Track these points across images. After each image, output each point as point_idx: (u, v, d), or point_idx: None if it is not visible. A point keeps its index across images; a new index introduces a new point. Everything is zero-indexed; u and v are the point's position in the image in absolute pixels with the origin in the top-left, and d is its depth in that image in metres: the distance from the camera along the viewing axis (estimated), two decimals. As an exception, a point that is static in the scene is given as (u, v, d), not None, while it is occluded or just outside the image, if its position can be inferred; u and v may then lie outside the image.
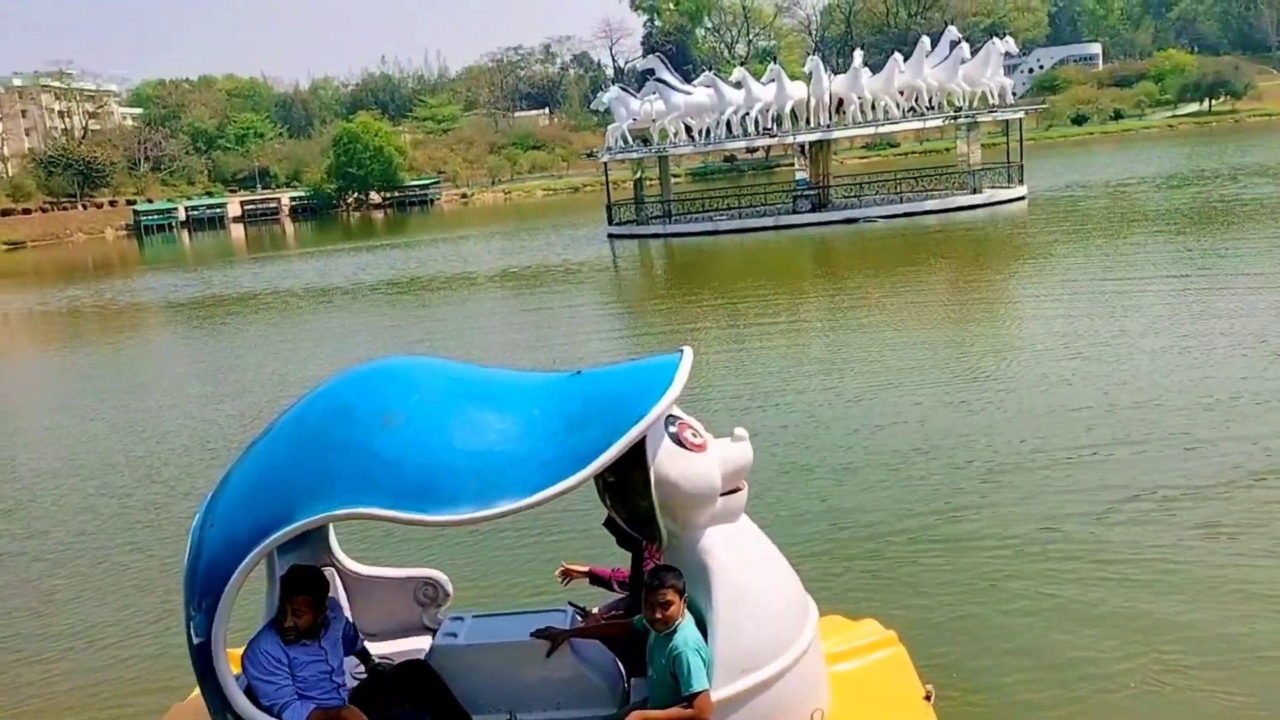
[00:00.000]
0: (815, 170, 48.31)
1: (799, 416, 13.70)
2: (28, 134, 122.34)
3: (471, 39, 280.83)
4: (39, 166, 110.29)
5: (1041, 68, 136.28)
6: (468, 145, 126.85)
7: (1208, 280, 21.12)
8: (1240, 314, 17.23)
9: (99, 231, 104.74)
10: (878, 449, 11.93)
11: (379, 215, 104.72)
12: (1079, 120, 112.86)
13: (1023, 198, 44.12)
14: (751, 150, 73.48)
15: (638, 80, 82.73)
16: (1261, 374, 13.38)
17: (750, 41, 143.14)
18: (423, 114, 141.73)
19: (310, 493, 4.71)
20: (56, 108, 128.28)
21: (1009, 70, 54.15)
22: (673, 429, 4.99)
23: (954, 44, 46.45)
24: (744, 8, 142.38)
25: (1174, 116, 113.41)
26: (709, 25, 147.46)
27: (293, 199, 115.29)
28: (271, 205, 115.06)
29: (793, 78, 48.86)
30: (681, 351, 5.05)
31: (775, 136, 47.26)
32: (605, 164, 50.96)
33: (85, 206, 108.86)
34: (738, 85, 46.70)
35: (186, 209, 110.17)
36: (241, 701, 4.85)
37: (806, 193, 46.25)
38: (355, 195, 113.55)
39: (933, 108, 46.44)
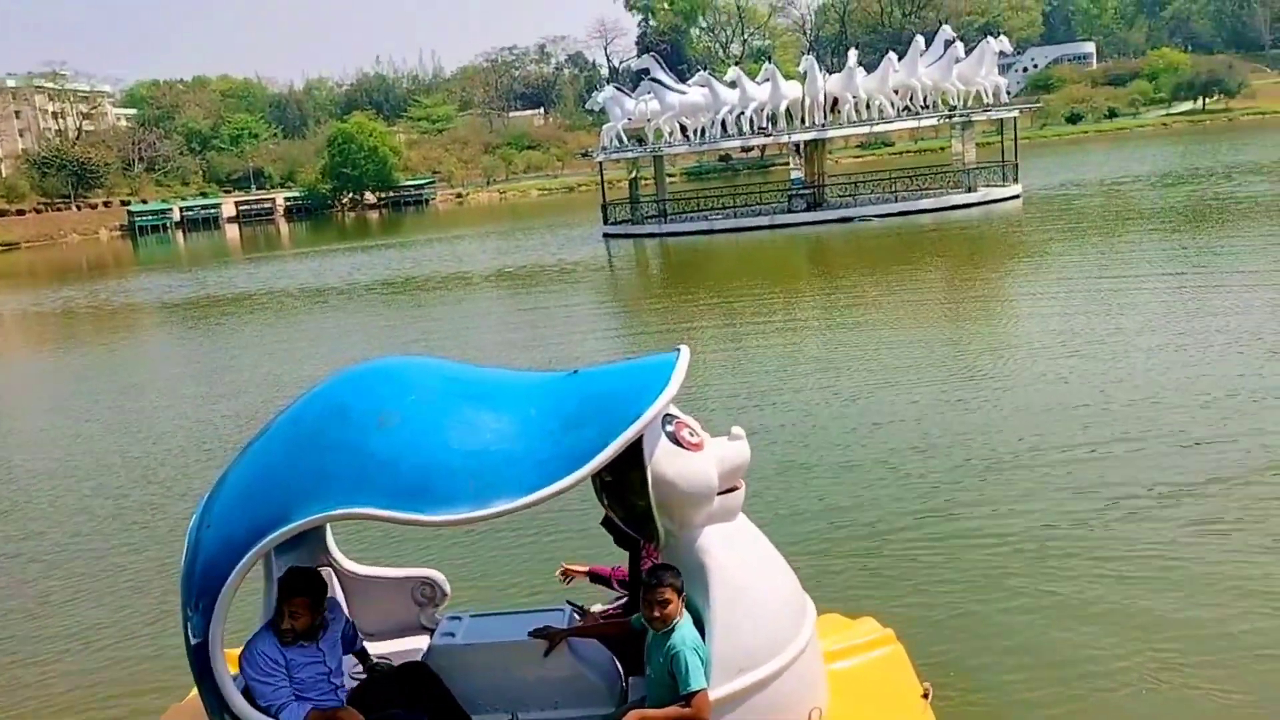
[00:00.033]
0: (810, 169, 48.33)
1: (796, 415, 13.71)
2: (21, 135, 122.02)
3: (466, 39, 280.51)
4: (33, 167, 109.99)
5: (1036, 67, 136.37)
6: (462, 145, 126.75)
7: (1203, 278, 21.16)
8: (1236, 311, 17.27)
9: (93, 232, 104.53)
10: (875, 447, 11.93)
11: (374, 215, 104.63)
12: (1073, 119, 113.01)
13: (1017, 196, 44.18)
14: (746, 150, 73.47)
15: (633, 80, 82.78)
16: (1258, 371, 13.41)
17: (745, 41, 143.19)
18: (417, 114, 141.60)
19: (307, 493, 4.70)
20: (50, 108, 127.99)
21: (1003, 69, 54.27)
22: (670, 428, 4.98)
23: (948, 43, 46.50)
24: (739, 7, 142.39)
25: (1168, 115, 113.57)
26: (704, 25, 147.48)
27: (287, 199, 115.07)
28: (266, 206, 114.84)
29: (787, 77, 48.89)
30: (678, 350, 5.04)
31: (770, 136, 47.27)
32: (600, 164, 50.97)
33: (79, 207, 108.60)
34: (732, 85, 46.73)
35: (181, 210, 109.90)
36: (239, 702, 4.84)
37: (802, 192, 46.26)
38: (350, 195, 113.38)
39: (927, 107, 46.49)
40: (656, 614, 4.82)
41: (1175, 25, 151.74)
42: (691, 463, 4.92)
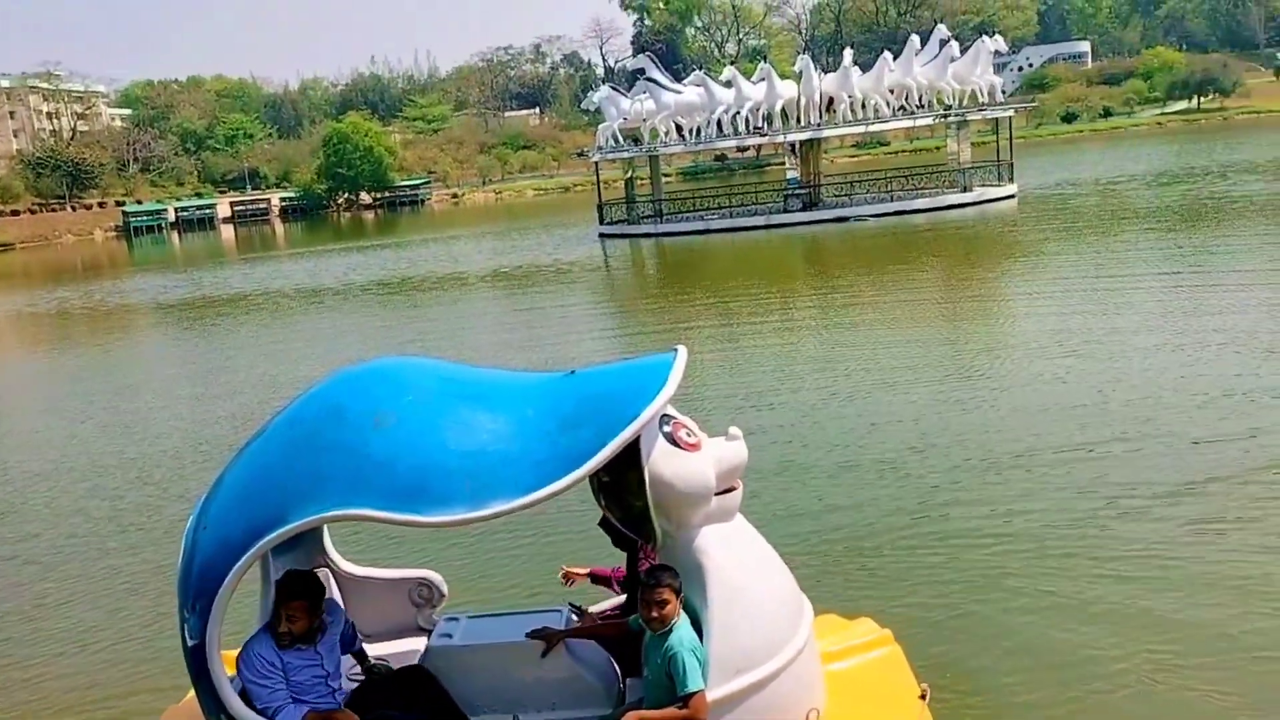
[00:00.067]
0: (806, 169, 48.34)
1: (793, 415, 13.71)
2: (16, 135, 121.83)
3: (461, 39, 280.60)
4: (27, 168, 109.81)
5: (1031, 66, 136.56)
6: (458, 145, 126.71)
7: (1199, 277, 21.19)
8: (1232, 311, 17.29)
9: (88, 233, 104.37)
10: (872, 447, 11.93)
11: (369, 216, 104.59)
12: (1068, 118, 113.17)
13: (1013, 196, 44.23)
14: (742, 149, 73.23)
15: (628, 80, 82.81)
16: (1254, 371, 13.42)
17: (740, 40, 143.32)
18: (413, 114, 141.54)
19: (304, 494, 4.70)
20: (44, 109, 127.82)
21: (998, 68, 54.23)
22: (667, 428, 4.98)
23: (943, 42, 46.53)
24: (734, 7, 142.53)
25: (1163, 114, 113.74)
26: (699, 24, 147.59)
27: (282, 199, 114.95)
28: (261, 206, 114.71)
29: (783, 76, 48.86)
30: (675, 351, 5.03)
31: (766, 135, 47.27)
32: (596, 163, 50.94)
33: (74, 208, 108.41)
34: (728, 84, 46.75)
35: (176, 210, 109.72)
36: (236, 704, 4.83)
37: (797, 192, 46.27)
38: (345, 196, 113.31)
39: (922, 106, 46.48)
40: (654, 614, 4.82)
41: (1170, 24, 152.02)
42: (689, 463, 4.91)
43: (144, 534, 11.66)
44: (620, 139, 47.85)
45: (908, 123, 49.41)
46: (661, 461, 4.86)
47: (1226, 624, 7.23)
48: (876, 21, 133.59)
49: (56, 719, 7.75)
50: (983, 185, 45.29)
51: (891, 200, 45.13)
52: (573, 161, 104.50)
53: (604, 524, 5.67)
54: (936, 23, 54.89)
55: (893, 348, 17.42)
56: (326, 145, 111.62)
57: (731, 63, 75.11)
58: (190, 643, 4.84)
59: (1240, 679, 6.58)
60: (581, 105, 78.15)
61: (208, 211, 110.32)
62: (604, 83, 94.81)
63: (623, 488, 5.05)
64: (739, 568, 5.03)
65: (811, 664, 5.25)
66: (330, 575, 5.88)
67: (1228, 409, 11.98)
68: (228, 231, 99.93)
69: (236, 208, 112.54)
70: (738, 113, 45.60)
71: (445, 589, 6.16)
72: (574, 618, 5.77)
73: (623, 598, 5.93)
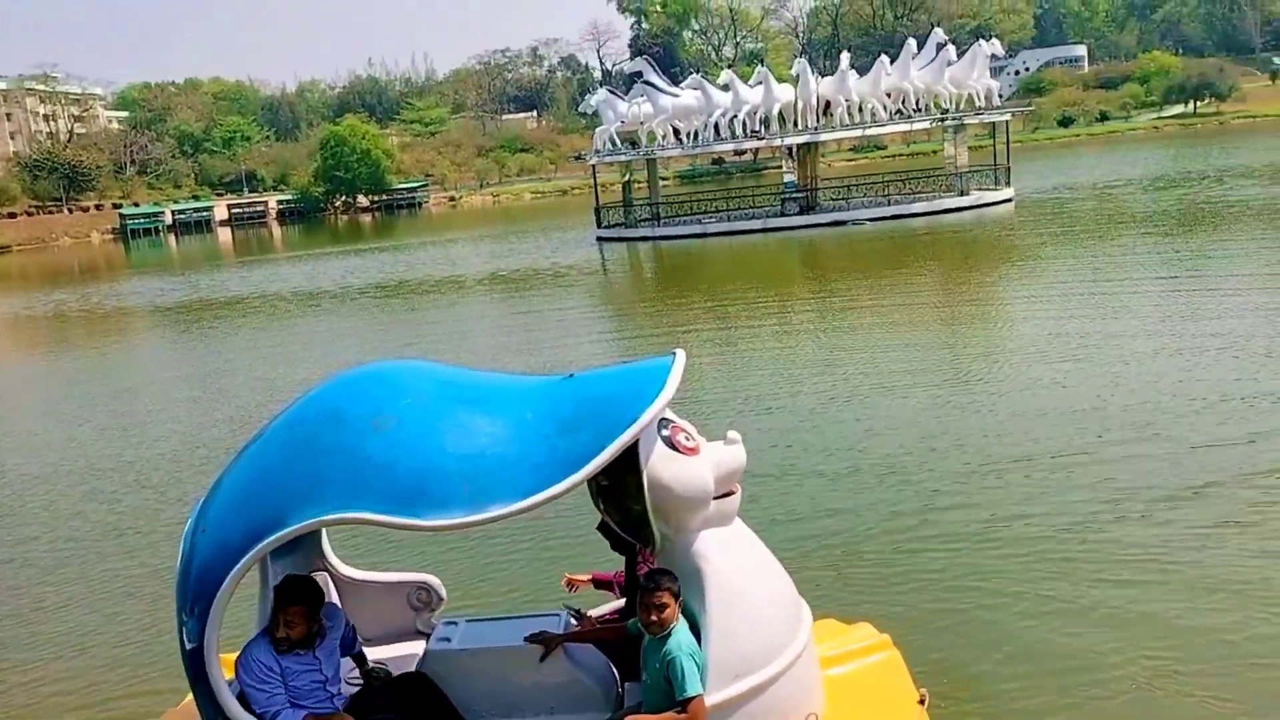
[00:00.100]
0: (803, 173, 48.38)
1: (791, 419, 13.71)
2: (12, 137, 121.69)
3: (459, 42, 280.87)
4: (24, 170, 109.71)
5: (1027, 70, 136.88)
6: (455, 148, 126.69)
7: (1196, 282, 21.22)
8: (1229, 315, 17.32)
9: (85, 235, 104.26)
10: (871, 452, 11.94)
11: (367, 218, 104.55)
12: (1065, 122, 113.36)
13: (1009, 200, 44.28)
14: (739, 153, 73.54)
15: (625, 83, 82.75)
16: (1253, 375, 13.44)
17: (737, 44, 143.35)
18: (410, 117, 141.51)
19: (302, 497, 4.69)
20: (41, 111, 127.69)
21: (995, 72, 54.37)
22: (665, 432, 4.98)
23: (940, 46, 46.56)
24: (731, 10, 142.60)
25: (1159, 118, 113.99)
26: (696, 28, 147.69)
27: (280, 202, 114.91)
28: (258, 209, 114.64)
29: (780, 80, 48.93)
30: (674, 354, 5.03)
31: (763, 139, 47.34)
32: (593, 167, 50.96)
33: (71, 210, 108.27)
34: (725, 88, 46.78)
35: (173, 212, 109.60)
36: (234, 707, 4.83)
37: (794, 195, 46.32)
38: (343, 198, 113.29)
39: (919, 110, 46.55)
40: (654, 618, 4.82)
41: (1166, 28, 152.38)
42: (687, 467, 4.91)
43: (142, 537, 11.65)
44: (618, 142, 47.87)
45: (904, 126, 49.49)
46: (660, 465, 4.86)
47: (1226, 629, 7.24)
48: (873, 25, 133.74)
49: (54, 722, 7.74)
50: (979, 189, 45.35)
51: (888, 204, 45.19)
52: (570, 165, 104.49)
53: (602, 528, 5.66)
54: (933, 26, 54.93)
55: (890, 352, 17.43)
56: (324, 148, 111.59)
57: (729, 66, 75.15)
58: (188, 646, 4.83)
59: (1240, 684, 6.59)
60: (579, 108, 78.13)
61: (205, 214, 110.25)
62: (601, 86, 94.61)
63: (621, 491, 5.04)
64: (738, 572, 5.03)
65: (810, 669, 5.25)
66: (329, 579, 5.88)
67: (1226, 413, 11.99)
68: (225, 234, 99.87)
69: (234, 210, 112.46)
70: (735, 116, 45.63)
71: (444, 593, 6.16)
72: (573, 622, 5.76)
73: (622, 602, 5.93)
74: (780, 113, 46.15)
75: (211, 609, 4.71)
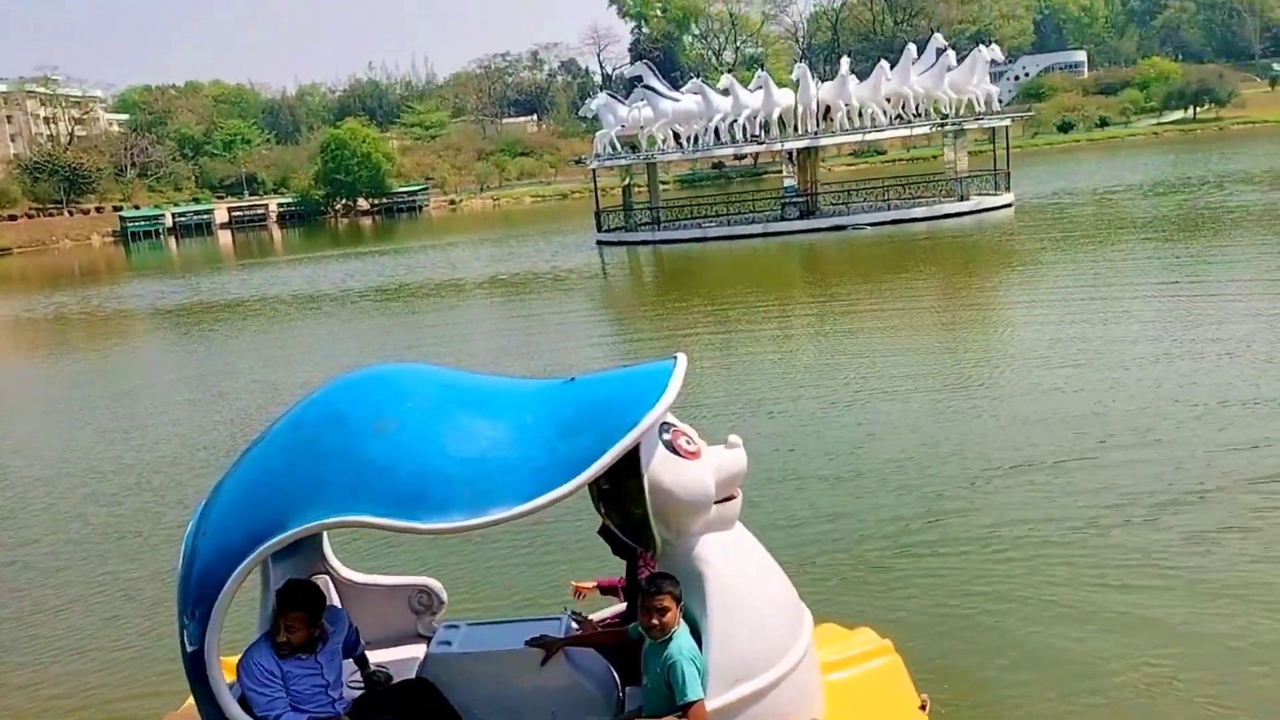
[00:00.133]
0: (803, 177, 48.41)
1: (792, 424, 13.72)
2: (13, 140, 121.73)
3: (459, 45, 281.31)
4: (25, 173, 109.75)
5: (1027, 75, 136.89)
6: (456, 152, 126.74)
7: (1196, 287, 21.23)
8: (1230, 320, 17.32)
9: (85, 238, 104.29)
10: (872, 456, 11.94)
11: (367, 222, 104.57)
12: (1065, 127, 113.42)
13: (1009, 205, 44.30)
14: (739, 157, 73.39)
15: (626, 87, 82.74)
16: (1253, 381, 13.43)
17: (738, 49, 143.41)
18: (410, 120, 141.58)
19: (303, 500, 4.69)
20: (42, 114, 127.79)
21: (995, 78, 54.49)
22: (666, 436, 4.98)
23: (940, 51, 46.63)
24: (731, 15, 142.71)
25: (1159, 124, 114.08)
26: (696, 32, 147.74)
27: (280, 205, 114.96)
28: (259, 212, 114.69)
29: (780, 85, 48.98)
30: (675, 358, 5.03)
31: (763, 143, 47.39)
32: (594, 171, 50.99)
33: (71, 213, 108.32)
34: (725, 92, 46.81)
35: (173, 215, 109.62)
36: (235, 710, 4.83)
37: (795, 200, 46.34)
38: (343, 202, 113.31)
39: (919, 115, 46.56)
40: (655, 622, 4.81)
41: (1166, 34, 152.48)
42: (688, 471, 4.91)
43: (142, 540, 11.64)
44: (618, 146, 47.91)
45: (904, 131, 49.51)
46: (661, 469, 4.86)
47: (1229, 634, 7.24)
48: (873, 30, 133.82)
49: (53, 725, 7.74)
50: (979, 194, 45.37)
51: (888, 209, 45.22)
52: (570, 169, 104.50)
53: (604, 532, 5.65)
54: (933, 32, 54.98)
55: (891, 356, 17.43)
56: (324, 151, 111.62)
57: (729, 71, 75.10)
58: (189, 649, 4.83)
59: (1243, 689, 6.58)
60: (579, 112, 78.32)
61: (205, 217, 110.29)
62: (602, 90, 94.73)
63: (622, 495, 5.03)
64: (739, 576, 5.02)
65: (811, 673, 5.25)
66: (330, 582, 5.88)
67: (1227, 419, 11.99)
68: (225, 237, 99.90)
69: (234, 213, 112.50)
70: (735, 121, 45.67)
71: (445, 596, 6.16)
72: (574, 626, 5.76)
73: (623, 606, 5.93)
74: (780, 117, 46.20)
75: (212, 612, 4.71)
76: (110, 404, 20.29)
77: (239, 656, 5.11)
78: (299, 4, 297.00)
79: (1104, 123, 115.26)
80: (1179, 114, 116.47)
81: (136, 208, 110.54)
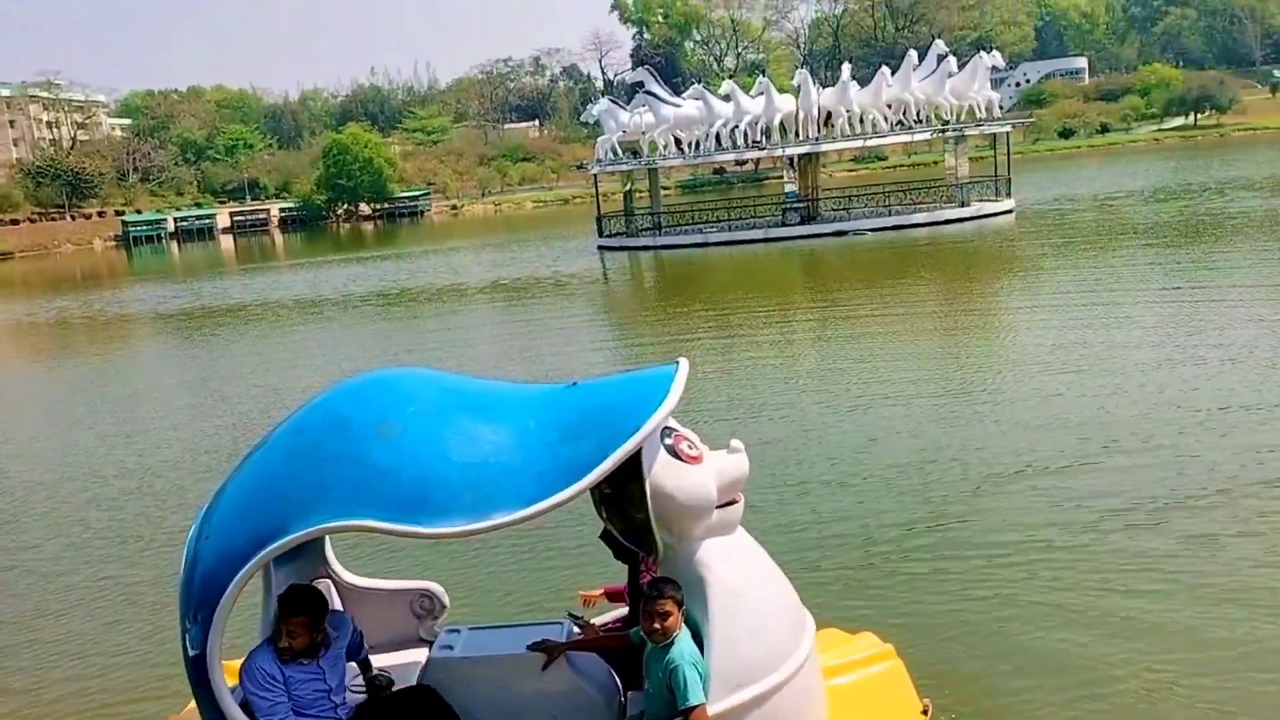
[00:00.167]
0: (804, 183, 48.45)
1: (794, 428, 13.72)
2: (15, 144, 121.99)
3: (461, 51, 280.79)
4: (27, 177, 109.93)
5: (1028, 81, 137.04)
6: (457, 157, 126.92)
7: (1198, 293, 21.23)
8: (1231, 326, 17.33)
9: (87, 242, 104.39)
10: (873, 462, 11.94)
11: (369, 227, 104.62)
12: (1066, 134, 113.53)
13: (1010, 211, 44.33)
14: (741, 163, 73.51)
15: (627, 93, 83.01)
16: (1255, 386, 13.43)
17: (739, 54, 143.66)
18: (412, 125, 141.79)
19: (306, 504, 4.70)
20: (44, 118, 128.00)
21: (996, 84, 54.40)
22: (669, 441, 4.98)
23: (941, 58, 46.70)
24: (732, 21, 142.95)
25: (1160, 130, 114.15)
26: (698, 38, 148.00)
27: (282, 210, 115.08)
28: (261, 216, 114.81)
29: (781, 91, 49.01)
30: (677, 363, 5.04)
31: (764, 149, 47.40)
32: (595, 176, 50.99)
33: (73, 217, 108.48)
34: (726, 98, 46.87)
35: (175, 220, 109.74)
36: (236, 714, 4.83)
37: (795, 205, 46.37)
38: (345, 206, 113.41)
39: (920, 121, 46.61)
40: (657, 626, 4.81)
41: (1167, 41, 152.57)
42: (690, 476, 4.92)
43: (143, 545, 11.64)
44: (619, 152, 47.96)
45: (905, 137, 49.56)
46: (663, 474, 4.87)
47: (1231, 638, 7.24)
48: (874, 36, 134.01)
49: (54, 729, 7.74)
50: (980, 200, 45.38)
51: (889, 214, 45.25)
52: (572, 174, 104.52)
53: (605, 536, 5.65)
54: (934, 38, 55.03)
55: (892, 361, 17.44)
56: (326, 156, 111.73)
57: (730, 76, 75.42)
58: (191, 653, 4.83)
59: (1246, 694, 6.58)
60: (581, 118, 78.49)
61: (207, 222, 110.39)
62: (603, 96, 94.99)
63: (624, 500, 5.04)
64: (741, 581, 5.03)
65: (813, 678, 5.24)
66: (332, 586, 5.88)
67: (1229, 424, 11.99)
68: (227, 242, 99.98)
69: (236, 218, 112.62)
70: (736, 126, 45.73)
71: (447, 600, 6.16)
72: (575, 630, 5.76)
73: (625, 610, 5.93)
74: (781, 123, 46.24)
75: (215, 616, 4.71)
76: (112, 408, 20.30)
77: (241, 661, 5.11)
78: (301, 9, 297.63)
79: (1105, 129, 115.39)
80: (1180, 120, 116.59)
81: (138, 212, 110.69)
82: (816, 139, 46.32)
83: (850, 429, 13.46)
